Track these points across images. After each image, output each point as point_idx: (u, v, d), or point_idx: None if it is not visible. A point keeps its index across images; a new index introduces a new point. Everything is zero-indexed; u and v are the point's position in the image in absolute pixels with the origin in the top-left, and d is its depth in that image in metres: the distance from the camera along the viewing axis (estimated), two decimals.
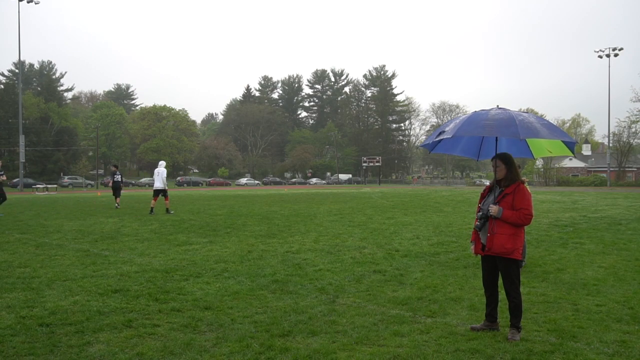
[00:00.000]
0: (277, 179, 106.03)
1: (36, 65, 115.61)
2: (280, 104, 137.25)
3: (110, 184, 25.02)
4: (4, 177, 18.37)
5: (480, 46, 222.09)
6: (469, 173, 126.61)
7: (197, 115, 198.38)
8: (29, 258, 9.76)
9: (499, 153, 5.54)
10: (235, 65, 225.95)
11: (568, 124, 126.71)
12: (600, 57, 78.44)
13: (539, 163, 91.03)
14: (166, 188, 20.30)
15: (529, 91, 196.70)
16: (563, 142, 5.56)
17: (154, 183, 20.55)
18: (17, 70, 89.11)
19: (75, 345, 4.96)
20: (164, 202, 20.74)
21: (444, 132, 5.54)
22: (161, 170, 20.30)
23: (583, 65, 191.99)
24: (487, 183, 5.84)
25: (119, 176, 24.68)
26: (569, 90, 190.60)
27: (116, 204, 23.56)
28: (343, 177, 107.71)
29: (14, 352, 4.77)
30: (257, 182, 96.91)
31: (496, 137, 5.73)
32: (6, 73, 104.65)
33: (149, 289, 7.19)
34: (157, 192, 20.26)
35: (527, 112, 5.49)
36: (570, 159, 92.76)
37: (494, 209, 5.28)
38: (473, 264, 9.08)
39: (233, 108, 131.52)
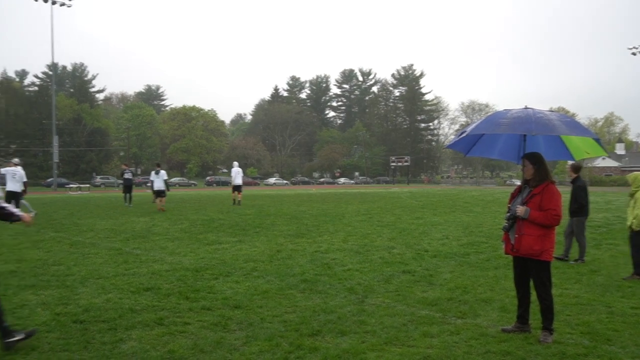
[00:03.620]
0: (306, 179, 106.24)
1: (69, 68, 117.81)
2: (308, 104, 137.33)
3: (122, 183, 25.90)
4: None
5: (510, 44, 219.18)
6: (499, 173, 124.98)
7: (226, 116, 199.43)
8: (63, 256, 9.96)
9: (527, 152, 5.47)
10: (264, 66, 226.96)
11: (601, 123, 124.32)
12: (634, 54, 76.52)
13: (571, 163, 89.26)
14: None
15: (560, 90, 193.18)
16: (593, 139, 5.43)
17: (233, 180, 24.49)
18: (50, 73, 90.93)
19: (109, 342, 5.05)
20: (237, 196, 24.35)
21: (464, 131, 5.53)
22: (240, 170, 24.53)
23: (616, 63, 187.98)
24: (518, 183, 5.76)
25: (130, 174, 25.55)
26: (601, 89, 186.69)
27: (129, 203, 24.32)
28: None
29: (49, 347, 4.89)
30: (285, 181, 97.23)
31: (524, 138, 5.65)
32: (40, 75, 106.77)
33: (180, 288, 7.28)
34: (236, 188, 24.28)
35: (552, 111, 5.41)
36: (603, 159, 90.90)
37: (520, 210, 5.22)
38: (504, 264, 8.97)
39: (261, 108, 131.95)
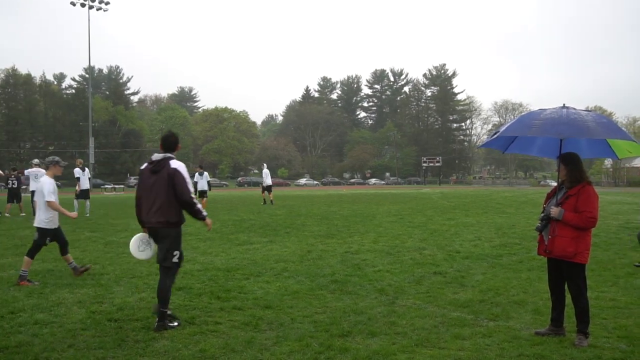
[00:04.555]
0: (336, 180, 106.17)
1: (105, 70, 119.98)
2: (339, 105, 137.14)
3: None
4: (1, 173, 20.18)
5: (547, 41, 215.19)
6: (533, 173, 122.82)
7: (257, 117, 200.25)
8: (98, 255, 10.16)
9: (562, 153, 5.37)
10: (295, 67, 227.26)
11: None
12: None
13: (608, 163, 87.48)
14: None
15: (597, 89, 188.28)
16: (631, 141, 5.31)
17: (264, 182, 26.43)
18: (87, 76, 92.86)
19: (142, 340, 5.13)
20: (269, 196, 26.02)
21: (497, 132, 5.47)
22: (268, 172, 26.47)
23: None
24: (553, 183, 5.65)
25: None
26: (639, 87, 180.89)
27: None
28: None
29: (85, 345, 4.99)
30: (316, 182, 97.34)
31: (561, 138, 5.53)
32: (77, 78, 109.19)
33: (211, 287, 7.36)
34: (267, 188, 26.06)
35: (589, 111, 5.29)
36: None
37: (554, 211, 5.14)
38: (538, 266, 8.81)
39: (292, 109, 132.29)
